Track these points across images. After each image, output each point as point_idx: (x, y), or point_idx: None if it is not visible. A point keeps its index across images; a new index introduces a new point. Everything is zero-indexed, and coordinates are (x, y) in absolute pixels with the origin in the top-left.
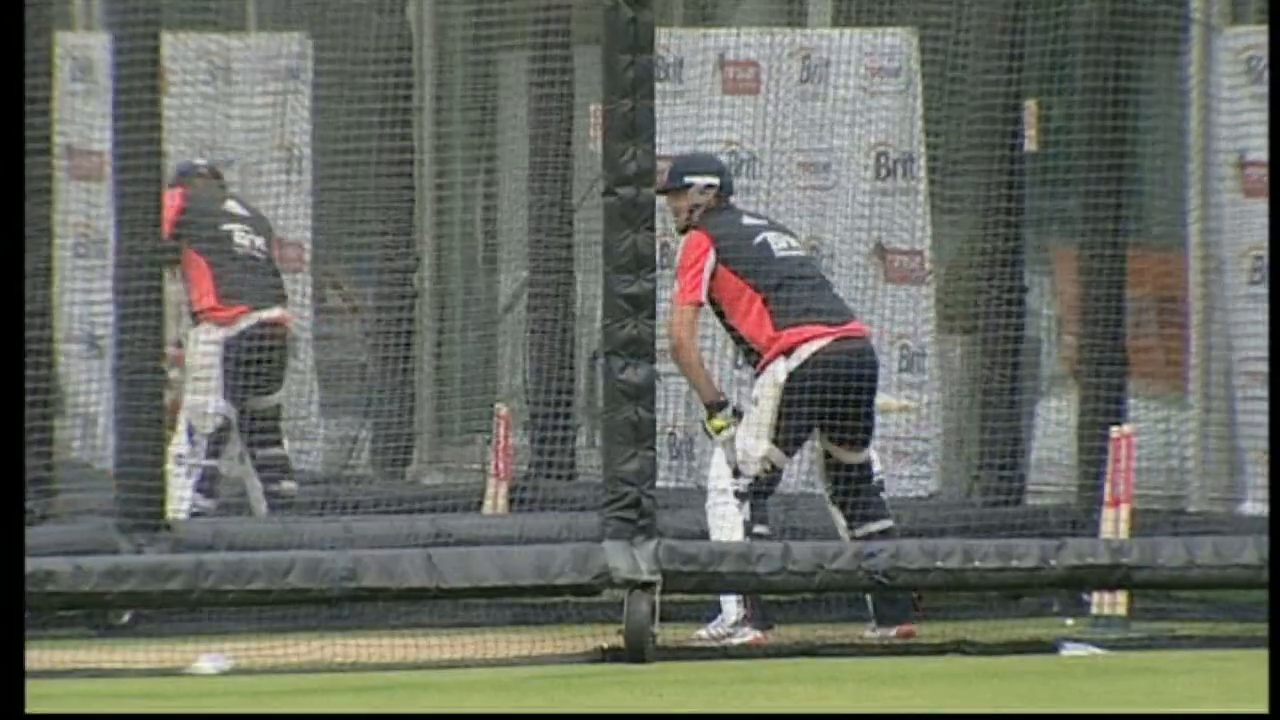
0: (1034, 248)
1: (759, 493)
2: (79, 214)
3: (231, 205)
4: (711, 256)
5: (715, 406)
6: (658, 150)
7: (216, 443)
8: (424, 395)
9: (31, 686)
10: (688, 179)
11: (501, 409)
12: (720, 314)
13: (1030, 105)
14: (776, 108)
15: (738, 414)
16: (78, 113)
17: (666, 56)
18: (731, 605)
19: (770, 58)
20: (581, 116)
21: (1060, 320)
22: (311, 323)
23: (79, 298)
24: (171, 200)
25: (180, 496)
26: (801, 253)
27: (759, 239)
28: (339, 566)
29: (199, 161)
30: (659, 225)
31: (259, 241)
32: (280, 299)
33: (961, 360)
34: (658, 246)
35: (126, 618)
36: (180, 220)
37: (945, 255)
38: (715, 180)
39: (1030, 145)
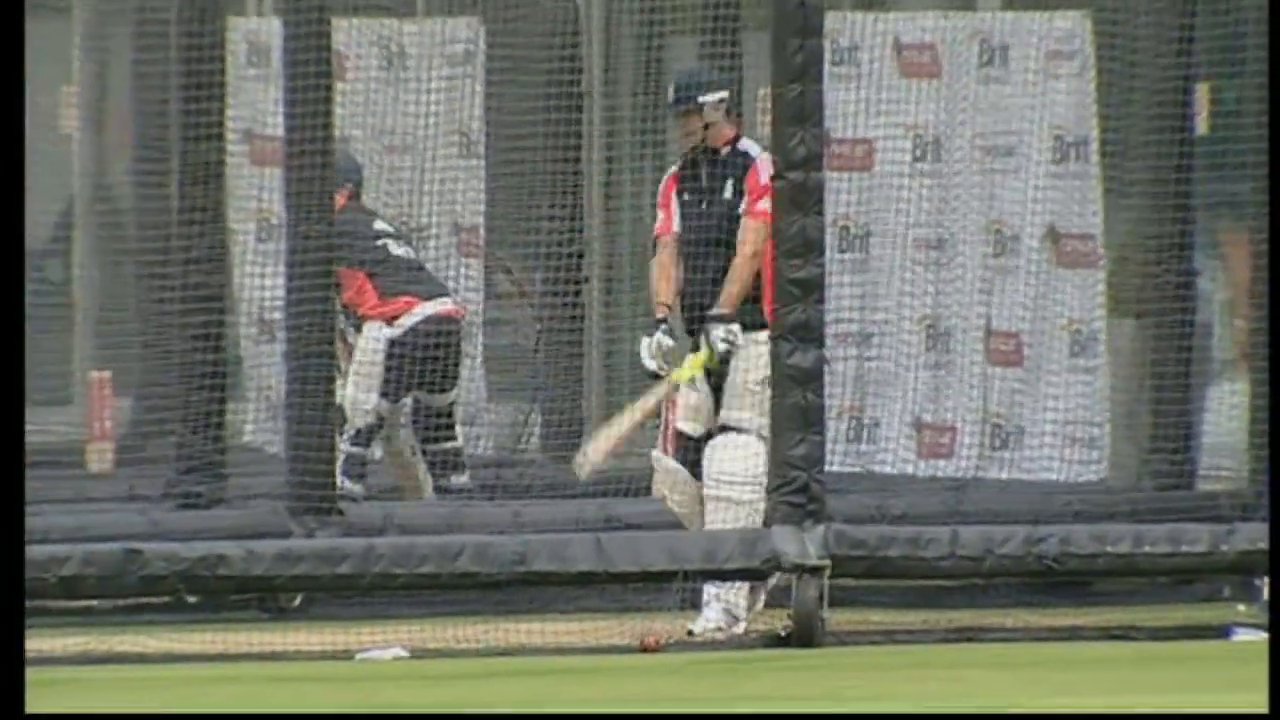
0: (1205, 231)
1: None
2: (258, 199)
3: (379, 225)
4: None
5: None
6: (834, 135)
7: (366, 434)
8: (593, 380)
9: (205, 670)
10: (701, 98)
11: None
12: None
13: (1202, 88)
14: (955, 91)
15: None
16: (255, 97)
17: (840, 40)
18: (715, 609)
19: (947, 41)
20: (750, 101)
21: (1232, 304)
22: (482, 308)
23: (258, 282)
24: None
25: None
26: None
27: None
28: (508, 551)
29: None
30: (829, 210)
31: (409, 251)
32: (446, 293)
33: (1132, 344)
34: (828, 231)
35: (298, 601)
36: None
37: (1116, 239)
38: (726, 94)
39: (1201, 129)
